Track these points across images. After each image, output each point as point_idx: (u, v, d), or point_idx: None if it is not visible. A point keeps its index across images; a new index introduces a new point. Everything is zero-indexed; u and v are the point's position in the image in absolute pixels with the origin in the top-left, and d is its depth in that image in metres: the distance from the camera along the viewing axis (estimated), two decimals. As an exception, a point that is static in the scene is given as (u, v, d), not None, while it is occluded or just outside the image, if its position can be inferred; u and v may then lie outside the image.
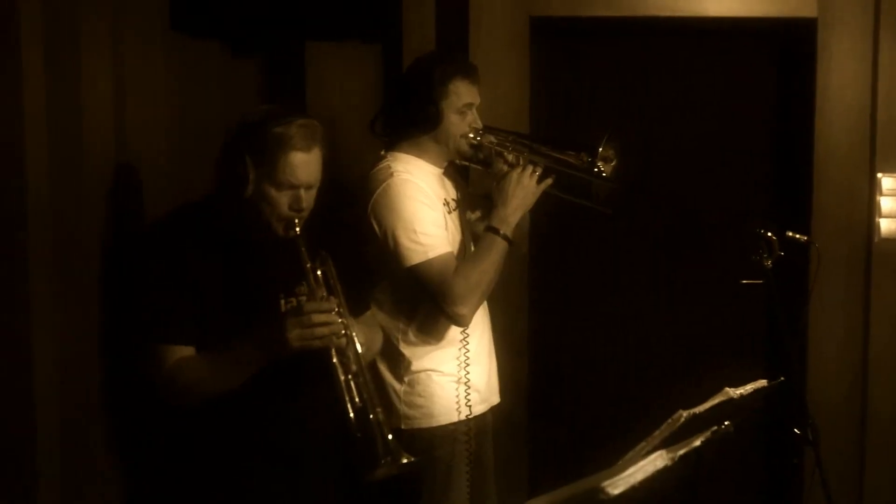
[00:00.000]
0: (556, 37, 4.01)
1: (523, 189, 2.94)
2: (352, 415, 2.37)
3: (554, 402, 4.13)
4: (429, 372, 3.01)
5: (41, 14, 2.30)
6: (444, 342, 3.02)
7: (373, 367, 3.03)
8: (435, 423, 3.01)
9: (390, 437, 2.39)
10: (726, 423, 2.30)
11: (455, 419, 3.03)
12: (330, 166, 3.62)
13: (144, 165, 2.94)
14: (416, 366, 3.00)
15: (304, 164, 2.48)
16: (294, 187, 2.48)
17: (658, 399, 2.48)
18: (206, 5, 3.44)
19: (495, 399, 3.23)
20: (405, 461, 2.37)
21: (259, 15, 3.59)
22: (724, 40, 3.99)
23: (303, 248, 2.48)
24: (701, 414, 2.32)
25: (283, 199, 2.48)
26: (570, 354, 4.13)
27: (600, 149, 2.90)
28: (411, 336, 3.00)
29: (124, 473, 2.84)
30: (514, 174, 2.95)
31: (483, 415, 3.16)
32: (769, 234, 2.88)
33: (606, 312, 4.11)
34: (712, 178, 4.01)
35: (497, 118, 3.67)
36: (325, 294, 2.47)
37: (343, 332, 2.42)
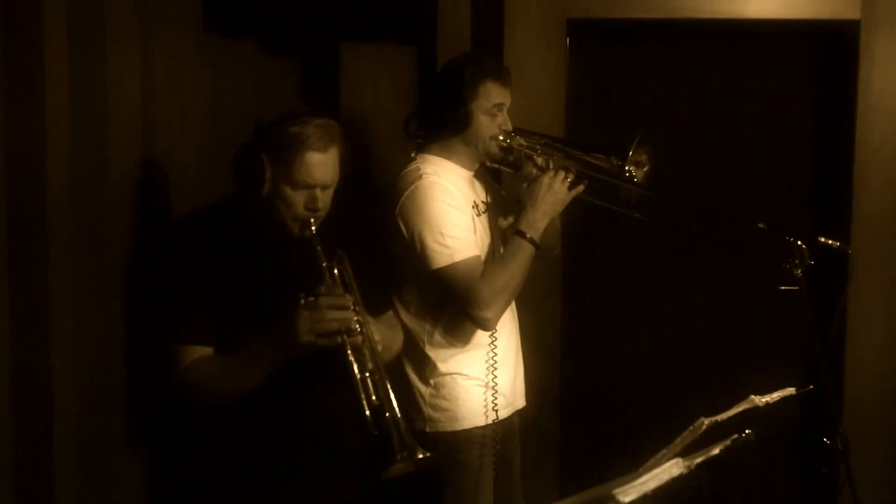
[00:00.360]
0: (594, 39, 3.97)
1: (553, 194, 2.92)
2: (368, 412, 2.37)
3: (586, 408, 4.09)
4: (454, 375, 3.00)
5: (66, 14, 2.31)
6: (470, 345, 3.01)
7: (399, 368, 3.03)
8: (460, 427, 2.99)
9: (406, 433, 2.38)
10: (747, 431, 2.25)
11: (481, 423, 3.01)
12: (363, 166, 3.69)
13: (174, 166, 2.95)
14: (442, 369, 2.99)
15: (321, 164, 2.49)
16: (310, 187, 2.49)
17: (691, 405, 2.43)
18: (240, 6, 3.46)
19: (521, 403, 3.21)
20: (421, 456, 2.37)
21: (294, 16, 3.60)
22: (764, 43, 3.92)
23: (318, 247, 2.49)
24: (724, 422, 2.29)
25: (299, 199, 2.49)
26: (603, 359, 4.09)
27: (630, 153, 2.87)
28: (437, 338, 2.99)
29: (142, 475, 2.85)
30: (546, 179, 2.93)
31: (509, 419, 3.14)
32: (799, 242, 2.82)
33: (640, 317, 4.06)
34: (751, 183, 3.94)
35: (532, 121, 3.66)
36: (341, 291, 2.47)
37: (358, 329, 2.42)
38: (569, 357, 3.95)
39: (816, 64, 3.94)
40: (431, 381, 3.00)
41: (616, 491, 1.86)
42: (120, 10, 2.58)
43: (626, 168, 2.89)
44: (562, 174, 2.93)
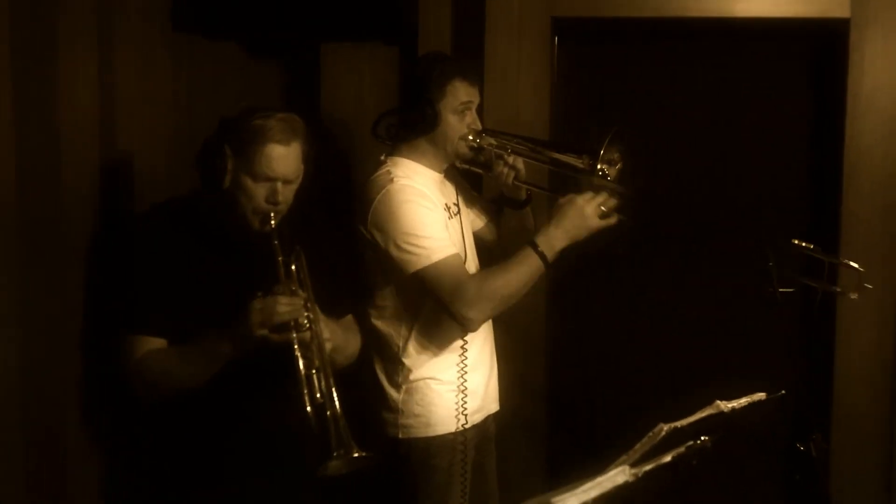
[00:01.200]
0: (580, 38, 3.92)
1: (583, 219, 2.81)
2: (309, 409, 2.34)
3: (572, 406, 4.02)
4: (427, 380, 2.95)
5: (9, 19, 2.29)
6: (443, 350, 2.96)
7: (371, 374, 3.00)
8: (433, 433, 2.94)
9: (345, 431, 2.35)
10: (703, 438, 2.19)
11: (453, 429, 2.96)
12: (344, 167, 3.65)
13: (139, 165, 2.93)
14: (415, 374, 2.94)
15: (282, 157, 2.50)
16: (271, 179, 2.50)
17: (680, 406, 2.38)
18: (217, 5, 3.42)
19: (494, 407, 3.16)
20: (357, 455, 2.33)
21: (274, 16, 3.56)
22: (753, 41, 3.85)
23: (276, 241, 2.49)
24: (684, 428, 2.23)
25: (259, 192, 2.50)
26: (589, 357, 4.02)
27: (602, 151, 2.81)
28: (412, 343, 2.94)
29: (97, 473, 2.85)
30: (580, 199, 2.82)
31: (484, 423, 3.09)
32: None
33: (626, 314, 3.99)
34: (739, 182, 3.87)
35: (516, 120, 3.64)
36: (295, 287, 2.46)
37: (307, 325, 2.41)
38: (554, 355, 3.90)
39: (806, 63, 3.86)
40: (403, 387, 2.95)
41: (555, 499, 1.81)
42: (75, 8, 2.56)
43: (599, 167, 2.82)
44: (600, 198, 2.82)
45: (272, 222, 2.51)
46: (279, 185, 2.51)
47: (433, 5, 3.67)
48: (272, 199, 2.51)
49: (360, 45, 3.74)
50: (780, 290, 3.03)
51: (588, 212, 2.80)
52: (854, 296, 2.77)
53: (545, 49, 3.73)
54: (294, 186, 2.57)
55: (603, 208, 2.82)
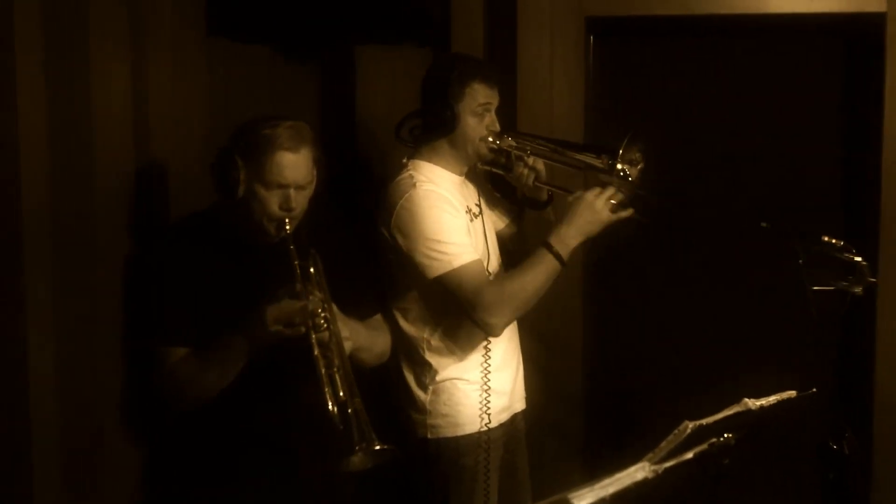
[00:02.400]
0: (613, 36, 3.92)
1: (594, 213, 2.82)
2: (332, 407, 2.38)
3: (609, 411, 4.02)
4: (454, 380, 2.97)
5: (41, 25, 2.34)
6: (468, 350, 2.98)
7: (399, 376, 3.03)
8: (461, 433, 2.96)
9: (366, 425, 2.38)
10: (726, 435, 2.19)
11: (481, 427, 2.97)
12: (378, 169, 3.68)
13: (172, 171, 2.98)
14: (441, 375, 2.97)
15: (292, 164, 2.54)
16: (283, 187, 2.55)
17: (714, 404, 2.38)
18: (251, 10, 3.47)
19: (520, 406, 3.17)
20: (378, 448, 2.36)
21: (308, 20, 3.60)
22: (787, 37, 3.82)
23: (291, 246, 2.53)
24: (710, 425, 2.23)
25: (272, 199, 2.55)
26: (626, 359, 4.02)
27: (621, 151, 2.81)
28: (436, 344, 2.96)
29: (133, 472, 2.90)
30: (589, 195, 2.84)
31: (512, 421, 3.11)
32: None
33: (663, 315, 3.99)
34: (775, 181, 3.84)
35: (551, 121, 3.65)
36: (310, 288, 2.51)
37: (325, 325, 2.46)
38: (590, 357, 3.90)
39: (841, 58, 3.82)
40: (430, 388, 2.97)
41: (572, 495, 1.82)
42: (107, 14, 2.62)
43: (619, 167, 2.82)
44: (609, 192, 2.83)
45: (287, 227, 2.56)
46: (292, 191, 2.55)
47: (465, 7, 3.68)
48: (286, 206, 2.56)
49: (394, 47, 3.75)
50: (814, 287, 3.03)
51: (598, 206, 2.82)
52: (859, 291, 2.74)
53: (579, 48, 3.73)
54: (307, 192, 2.62)
55: (613, 202, 2.83)
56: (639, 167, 2.86)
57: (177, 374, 2.56)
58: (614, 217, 2.85)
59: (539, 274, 2.81)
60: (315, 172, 2.64)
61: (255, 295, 2.52)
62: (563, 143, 3.04)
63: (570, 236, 2.82)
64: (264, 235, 2.60)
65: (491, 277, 2.93)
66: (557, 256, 2.81)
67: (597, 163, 2.87)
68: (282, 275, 2.52)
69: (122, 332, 2.75)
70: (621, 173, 2.81)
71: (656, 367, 4.01)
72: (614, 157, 2.81)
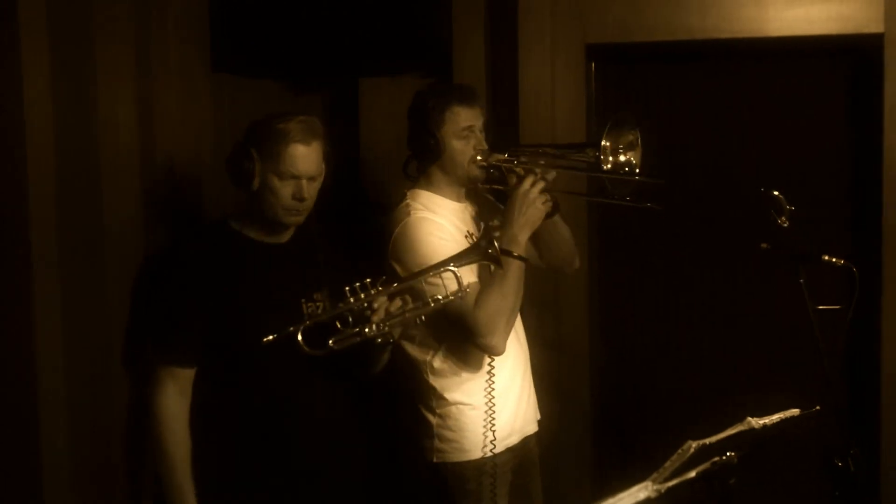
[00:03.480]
0: (614, 64, 3.95)
1: (528, 204, 2.89)
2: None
3: (619, 426, 4.03)
4: (460, 406, 2.98)
5: (50, 64, 2.41)
6: (472, 373, 2.99)
7: (408, 400, 3.04)
8: (466, 458, 2.96)
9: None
10: (728, 454, 2.19)
11: (487, 453, 2.97)
12: (383, 200, 3.70)
13: (179, 198, 3.09)
14: (447, 399, 2.98)
15: (305, 156, 2.71)
16: (296, 177, 2.71)
17: (729, 421, 2.38)
18: (256, 46, 3.53)
19: (531, 429, 3.16)
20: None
21: (312, 53, 3.66)
22: (788, 60, 3.85)
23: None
24: (713, 444, 2.24)
25: (286, 190, 2.71)
26: (635, 377, 4.04)
27: (602, 142, 2.81)
28: (437, 367, 2.98)
29: (147, 473, 2.94)
30: (518, 191, 2.90)
31: (522, 446, 3.10)
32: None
33: (671, 325, 4.00)
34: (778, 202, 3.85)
35: (554, 148, 3.66)
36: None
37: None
38: (598, 372, 3.91)
39: (841, 79, 3.85)
40: (438, 412, 2.98)
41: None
42: (113, 50, 2.70)
43: (601, 158, 2.81)
44: (530, 178, 2.89)
45: (300, 217, 2.76)
46: (304, 182, 2.72)
47: (467, 37, 3.73)
48: (298, 195, 2.72)
49: (397, 78, 3.79)
50: (819, 307, 3.04)
51: (532, 196, 2.88)
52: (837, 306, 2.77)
53: (580, 75, 3.77)
54: (317, 184, 2.78)
55: (538, 185, 2.88)
56: (637, 150, 2.88)
57: (163, 412, 2.67)
58: (545, 196, 2.90)
59: (511, 280, 2.86)
60: (324, 165, 2.78)
61: (281, 298, 2.72)
62: (547, 146, 3.09)
63: (517, 233, 2.89)
64: (278, 226, 2.78)
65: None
66: (518, 257, 2.87)
67: (585, 158, 2.89)
68: (306, 278, 2.75)
69: (130, 345, 2.85)
70: (608, 165, 2.82)
71: (663, 380, 4.02)
72: (598, 149, 2.82)
